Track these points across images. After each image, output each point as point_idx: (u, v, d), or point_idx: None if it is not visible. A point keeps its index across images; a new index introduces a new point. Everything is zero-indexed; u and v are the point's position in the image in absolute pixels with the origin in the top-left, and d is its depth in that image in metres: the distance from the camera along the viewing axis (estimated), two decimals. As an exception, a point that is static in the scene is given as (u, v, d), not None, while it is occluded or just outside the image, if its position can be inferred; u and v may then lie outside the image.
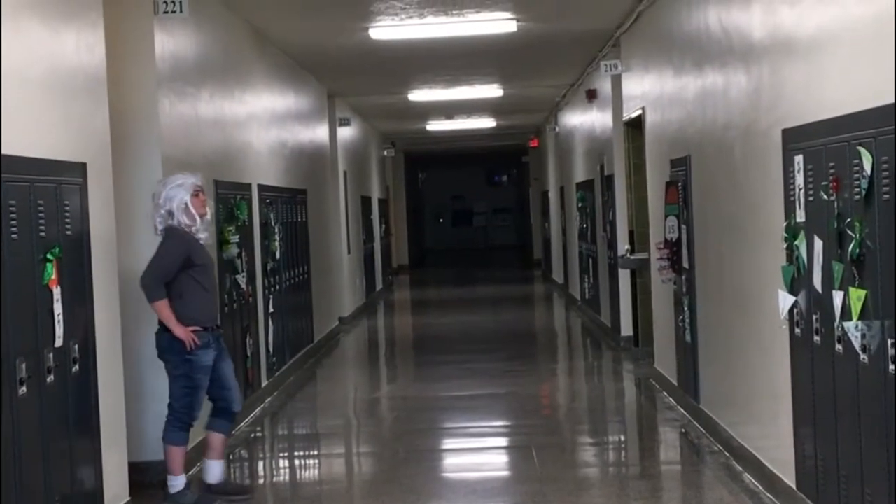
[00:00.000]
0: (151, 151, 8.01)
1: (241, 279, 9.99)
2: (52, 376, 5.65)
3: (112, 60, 7.10)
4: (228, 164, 10.09)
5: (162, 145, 8.06)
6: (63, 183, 5.96)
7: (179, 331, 7.11)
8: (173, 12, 8.02)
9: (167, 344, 7.18)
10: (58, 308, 5.73)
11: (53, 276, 5.68)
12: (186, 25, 8.73)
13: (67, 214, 5.98)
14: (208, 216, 7.35)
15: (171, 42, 8.41)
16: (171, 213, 7.18)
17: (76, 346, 5.98)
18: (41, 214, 5.61)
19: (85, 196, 6.28)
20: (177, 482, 7.29)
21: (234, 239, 9.60)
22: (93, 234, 6.38)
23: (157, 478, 7.81)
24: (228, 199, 9.76)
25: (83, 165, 6.29)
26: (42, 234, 5.62)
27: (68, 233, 5.98)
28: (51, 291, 5.68)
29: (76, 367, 5.99)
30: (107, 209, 6.75)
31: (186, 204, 7.17)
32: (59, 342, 5.74)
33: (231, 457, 8.89)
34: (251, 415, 10.28)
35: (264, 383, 11.05)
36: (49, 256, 5.65)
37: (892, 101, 4.73)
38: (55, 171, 5.87)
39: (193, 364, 7.17)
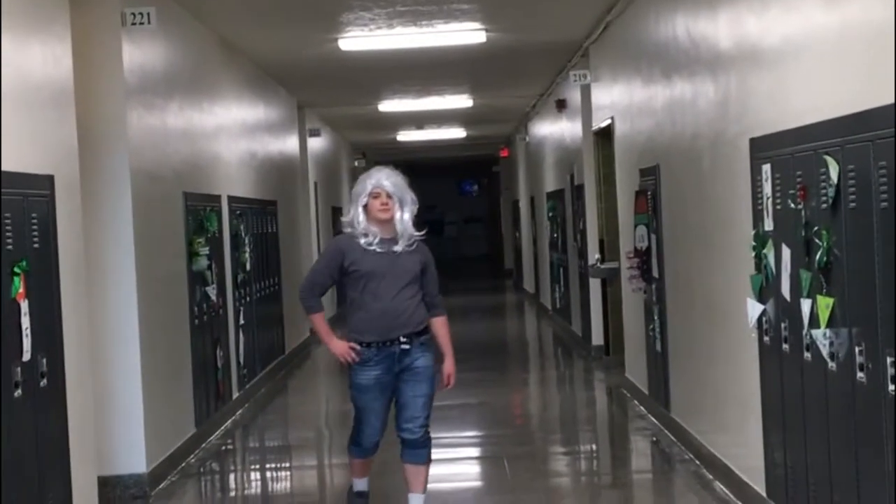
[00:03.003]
0: (120, 163, 7.97)
1: (212, 291, 9.95)
2: (19, 391, 5.61)
3: (79, 72, 7.06)
4: (198, 175, 10.06)
5: (130, 157, 8.02)
6: (30, 196, 5.92)
7: (331, 346, 6.55)
8: (141, 24, 7.98)
9: None
10: (25, 322, 5.69)
11: (21, 290, 5.64)
12: (155, 37, 8.70)
13: (35, 227, 5.94)
14: (400, 218, 6.46)
15: (139, 53, 8.38)
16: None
17: (44, 360, 5.94)
18: (8, 227, 5.58)
19: (52, 208, 6.24)
20: (358, 485, 7.00)
21: (204, 251, 9.57)
22: (61, 247, 6.34)
23: (126, 492, 7.78)
24: (198, 210, 9.73)
25: (50, 178, 6.25)
26: (9, 247, 5.58)
27: (36, 246, 5.94)
28: (18, 305, 5.64)
29: (44, 381, 5.95)
30: (75, 221, 6.71)
31: (356, 215, 6.49)
32: (26, 356, 5.70)
33: (202, 469, 8.86)
34: (222, 427, 10.24)
35: (235, 395, 11.01)
36: (16, 270, 5.61)
37: (857, 110, 4.75)
38: (22, 184, 5.83)
39: (351, 380, 6.62)
